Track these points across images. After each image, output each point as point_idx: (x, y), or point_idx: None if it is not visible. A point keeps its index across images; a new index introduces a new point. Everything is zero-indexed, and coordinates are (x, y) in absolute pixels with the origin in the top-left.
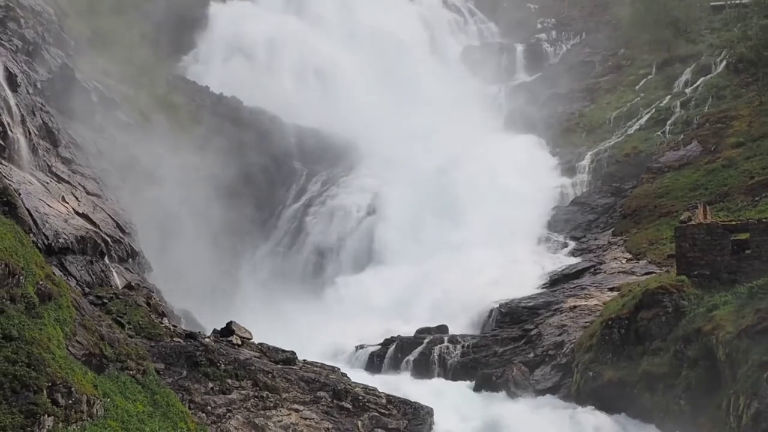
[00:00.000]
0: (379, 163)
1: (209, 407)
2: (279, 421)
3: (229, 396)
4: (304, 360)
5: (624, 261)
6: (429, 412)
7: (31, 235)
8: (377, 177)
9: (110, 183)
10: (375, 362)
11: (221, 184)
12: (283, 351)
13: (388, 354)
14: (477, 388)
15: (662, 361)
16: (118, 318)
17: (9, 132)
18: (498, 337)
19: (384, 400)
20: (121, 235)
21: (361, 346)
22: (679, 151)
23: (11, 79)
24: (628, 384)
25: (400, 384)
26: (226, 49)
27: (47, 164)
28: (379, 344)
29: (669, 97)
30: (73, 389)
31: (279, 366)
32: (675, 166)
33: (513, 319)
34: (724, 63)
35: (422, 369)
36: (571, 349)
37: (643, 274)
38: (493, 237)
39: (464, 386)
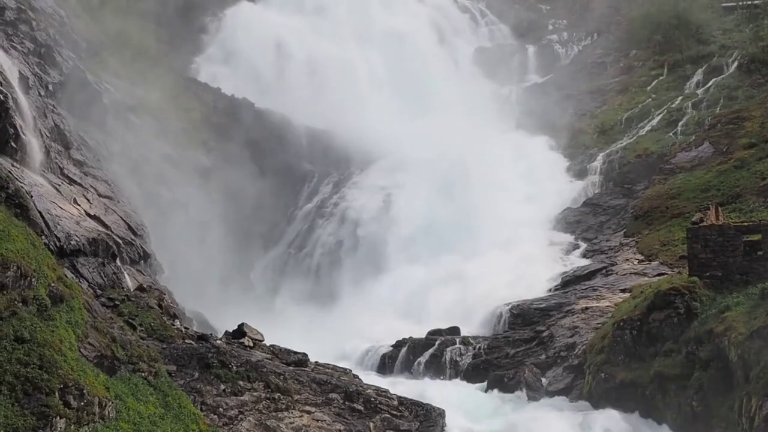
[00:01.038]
0: (390, 164)
1: (221, 409)
2: (291, 423)
3: (241, 398)
4: (316, 362)
5: (636, 262)
6: (441, 413)
7: (43, 237)
8: (389, 178)
9: (122, 185)
10: (387, 364)
11: (233, 185)
12: (295, 353)
13: (400, 356)
14: (489, 390)
15: (674, 363)
16: (130, 320)
17: (21, 134)
18: (510, 339)
19: (396, 402)
20: (132, 237)
21: (373, 348)
22: (691, 152)
23: (23, 81)
24: (640, 385)
25: (412, 385)
26: (237, 50)
27: (59, 166)
28: (390, 346)
29: (681, 98)
30: (85, 391)
31: (291, 368)
32: (687, 167)
33: (525, 321)
34: (735, 64)
35: (434, 370)
36: (583, 350)
37: (654, 276)
38: (505, 238)
39: (476, 388)
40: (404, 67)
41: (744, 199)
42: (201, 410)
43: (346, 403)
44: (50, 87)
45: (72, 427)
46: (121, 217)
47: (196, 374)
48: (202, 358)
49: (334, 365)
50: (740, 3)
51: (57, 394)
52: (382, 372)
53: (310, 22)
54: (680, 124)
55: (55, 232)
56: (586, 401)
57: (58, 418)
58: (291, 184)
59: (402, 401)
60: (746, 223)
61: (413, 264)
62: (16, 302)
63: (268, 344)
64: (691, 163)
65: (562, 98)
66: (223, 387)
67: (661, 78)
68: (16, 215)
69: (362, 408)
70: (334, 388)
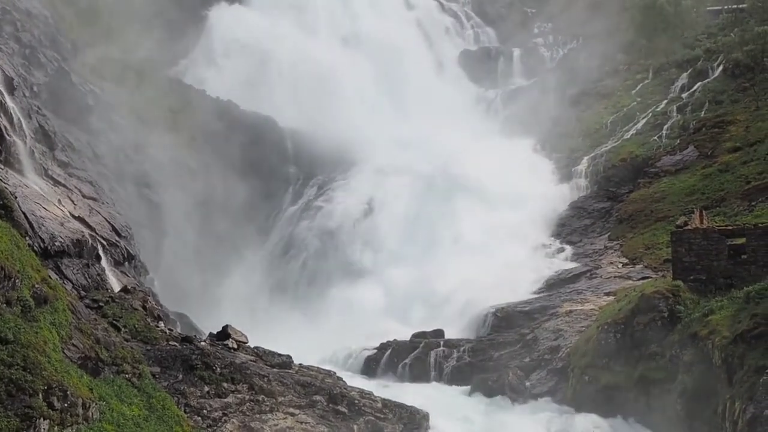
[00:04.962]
0: (375, 167)
1: (205, 411)
2: (275, 425)
3: (225, 400)
4: (300, 364)
5: (620, 265)
6: (425, 416)
7: (27, 238)
8: (373, 181)
9: (106, 186)
10: (371, 366)
11: (217, 188)
12: (279, 355)
13: (384, 358)
14: (473, 393)
15: (658, 366)
16: (114, 321)
17: (6, 135)
18: (494, 342)
19: (380, 405)
20: (117, 238)
21: (357, 351)
22: (676, 156)
23: (8, 83)
24: (624, 388)
25: (396, 388)
26: (223, 52)
27: (43, 167)
28: (375, 348)
29: (665, 101)
30: (68, 393)
31: (275, 370)
32: (671, 171)
33: (509, 324)
34: (721, 68)
35: (418, 373)
36: (567, 353)
37: (639, 279)
38: (490, 241)
39: (460, 390)
40: (389, 70)
41: (728, 202)
42: (185, 412)
43: (330, 405)
44: (35, 88)
45: (56, 428)
46: (105, 219)
47: (180, 376)
48: (186, 360)
49: (318, 367)
50: (726, 7)
51: (41, 395)
52: (366, 374)
53: (295, 24)
54: (665, 127)
55: (40, 233)
56: (570, 404)
57: (41, 419)
58: (275, 186)
59: (386, 404)
60: (731, 227)
61: (397, 267)
62: None
63: (252, 346)
64: (676, 166)
65: (548, 101)
66: (207, 389)
67: (646, 81)
68: (0, 216)
69: (346, 410)
70: (318, 390)
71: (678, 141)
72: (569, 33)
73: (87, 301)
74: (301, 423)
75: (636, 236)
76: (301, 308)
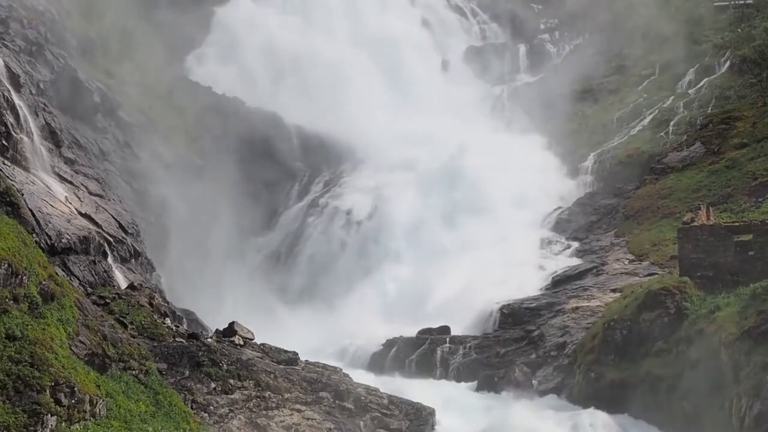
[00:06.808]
0: (381, 164)
1: (211, 407)
2: (281, 422)
3: (232, 396)
4: (306, 360)
5: (626, 262)
6: (431, 412)
7: (34, 235)
8: (380, 178)
9: (112, 183)
10: (377, 363)
11: (223, 184)
12: (285, 351)
13: (391, 355)
14: (479, 389)
15: (665, 363)
16: (121, 318)
17: (12, 132)
18: (500, 338)
19: (386, 401)
20: (123, 235)
21: (364, 347)
22: (683, 152)
23: (14, 80)
24: (630, 385)
25: (403, 384)
26: (229, 50)
27: (50, 164)
28: (381, 345)
29: (672, 97)
30: (76, 389)
31: (281, 366)
32: (678, 167)
33: (515, 320)
34: (728, 64)
35: (425, 370)
36: (574, 350)
37: (645, 276)
38: (496, 238)
39: (466, 387)
40: (395, 66)
41: (735, 199)
42: (191, 408)
43: (337, 401)
44: (41, 85)
45: (63, 424)
46: (111, 216)
47: (187, 372)
48: (193, 357)
49: (324, 364)
50: (733, 2)
51: (48, 391)
52: (373, 371)
53: (302, 22)
54: (672, 123)
55: (47, 230)
56: (576, 401)
57: (49, 415)
58: (282, 183)
59: (392, 400)
60: (737, 224)
61: (404, 263)
62: (7, 300)
63: (258, 343)
64: (683, 162)
65: (554, 97)
66: (213, 385)
67: (652, 77)
68: (7, 213)
69: (352, 407)
70: (324, 386)
71: (685, 137)
72: (575, 29)
73: (94, 297)
74: (308, 419)
75: (642, 233)
76: (307, 305)
